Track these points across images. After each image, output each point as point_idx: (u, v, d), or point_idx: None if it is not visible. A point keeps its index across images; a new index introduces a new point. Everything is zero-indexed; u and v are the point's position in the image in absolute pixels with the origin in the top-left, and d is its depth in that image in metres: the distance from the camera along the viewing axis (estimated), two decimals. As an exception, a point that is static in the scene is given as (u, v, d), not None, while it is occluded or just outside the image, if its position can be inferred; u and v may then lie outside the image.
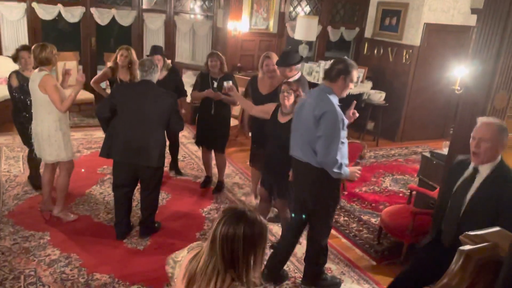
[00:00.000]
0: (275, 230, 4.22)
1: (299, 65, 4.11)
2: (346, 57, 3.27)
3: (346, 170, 3.02)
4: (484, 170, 2.54)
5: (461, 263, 1.15)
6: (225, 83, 4.12)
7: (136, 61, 4.71)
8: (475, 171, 2.58)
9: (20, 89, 4.16)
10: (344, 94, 3.16)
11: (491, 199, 2.47)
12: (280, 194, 3.69)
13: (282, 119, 3.54)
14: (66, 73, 4.08)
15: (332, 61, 3.45)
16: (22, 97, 4.16)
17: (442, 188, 2.84)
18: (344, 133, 3.02)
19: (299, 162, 3.19)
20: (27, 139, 4.20)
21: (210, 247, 1.52)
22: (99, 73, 4.96)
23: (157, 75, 3.67)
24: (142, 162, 3.56)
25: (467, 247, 1.20)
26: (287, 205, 3.72)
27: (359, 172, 3.18)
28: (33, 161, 4.41)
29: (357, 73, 3.13)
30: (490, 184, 2.51)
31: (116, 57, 4.70)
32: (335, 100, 3.04)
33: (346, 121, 3.07)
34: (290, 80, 3.97)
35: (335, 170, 2.95)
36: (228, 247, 1.48)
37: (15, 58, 4.24)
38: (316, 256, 3.40)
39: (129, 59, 4.68)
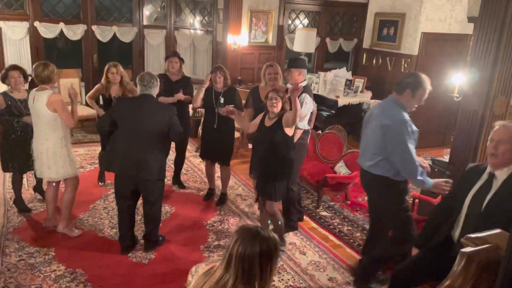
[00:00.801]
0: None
1: (306, 73, 4.25)
2: (419, 73, 3.24)
3: (429, 180, 3.02)
4: (501, 175, 2.51)
5: (463, 265, 1.16)
6: (222, 109, 4.15)
7: (126, 75, 4.82)
8: (491, 176, 2.54)
9: (8, 111, 4.04)
10: (413, 108, 3.19)
11: (509, 203, 2.43)
12: (267, 195, 3.76)
13: (268, 123, 3.69)
14: (71, 92, 3.96)
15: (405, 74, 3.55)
16: (8, 118, 4.05)
17: (453, 195, 2.77)
18: (412, 145, 3.00)
19: (365, 172, 3.28)
20: (6, 164, 4.20)
21: (226, 265, 1.62)
22: (93, 89, 4.96)
23: (157, 89, 3.71)
24: (142, 175, 3.58)
25: (468, 249, 1.22)
26: (275, 207, 3.80)
27: (447, 185, 3.01)
28: (17, 184, 4.41)
29: (427, 90, 3.11)
30: (508, 188, 2.47)
31: (106, 75, 4.72)
32: (402, 111, 3.07)
33: (417, 132, 3.08)
34: (299, 85, 4.07)
35: (419, 177, 2.98)
36: (245, 266, 1.58)
37: (3, 78, 4.11)
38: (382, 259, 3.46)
39: (120, 75, 4.73)
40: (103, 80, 4.79)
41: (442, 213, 2.88)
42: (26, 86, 4.41)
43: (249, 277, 1.59)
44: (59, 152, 3.79)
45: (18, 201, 4.46)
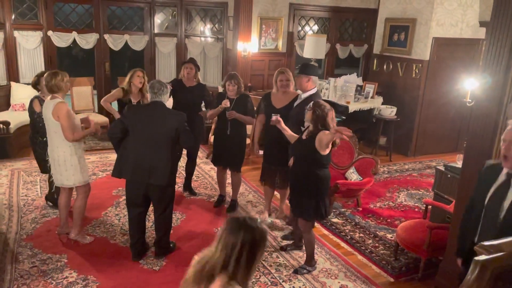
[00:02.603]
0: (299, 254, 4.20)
1: (317, 80, 4.21)
2: None
3: None
4: None
5: (477, 273, 1.14)
6: (227, 113, 4.45)
7: (146, 83, 4.89)
8: (510, 176, 2.37)
9: (42, 114, 4.21)
10: None
11: None
12: (296, 210, 3.73)
13: (305, 136, 3.59)
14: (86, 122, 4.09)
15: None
16: (44, 122, 4.16)
17: (474, 197, 2.61)
18: None
19: None
20: (44, 166, 4.32)
21: (213, 252, 1.71)
22: (110, 93, 5.09)
23: (167, 96, 3.74)
24: (152, 181, 3.60)
25: (482, 257, 1.20)
26: (306, 226, 3.72)
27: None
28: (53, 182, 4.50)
29: None
30: None
31: (129, 79, 4.82)
32: None
33: None
34: (307, 94, 4.07)
35: None
36: (229, 253, 1.66)
37: (36, 84, 4.36)
38: None
39: (145, 81, 4.87)
40: (125, 84, 4.88)
41: (468, 217, 2.68)
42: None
43: (232, 264, 1.65)
44: (69, 160, 3.83)
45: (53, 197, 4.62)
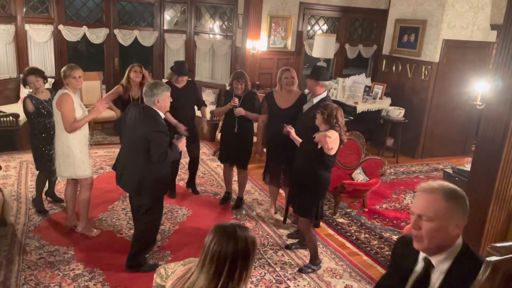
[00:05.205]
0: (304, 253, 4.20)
1: (327, 83, 4.18)
2: None
3: None
4: (440, 264, 1.60)
5: (488, 274, 1.14)
6: (235, 110, 4.46)
7: (148, 77, 4.89)
8: (428, 264, 1.64)
9: (37, 112, 4.15)
10: None
11: None
12: (295, 206, 3.77)
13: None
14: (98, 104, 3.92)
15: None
16: (40, 119, 4.18)
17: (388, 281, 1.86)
18: None
19: None
20: (41, 163, 4.29)
21: (202, 264, 1.57)
22: (111, 90, 5.06)
23: (160, 97, 3.34)
24: (120, 184, 3.51)
25: (494, 258, 1.20)
26: (306, 225, 3.73)
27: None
28: (42, 184, 4.51)
29: None
30: (457, 285, 1.56)
31: (128, 75, 4.82)
32: None
33: None
34: (318, 98, 4.04)
35: None
36: (219, 265, 1.53)
37: (24, 83, 4.27)
38: None
39: (141, 75, 4.83)
40: (123, 81, 4.86)
41: None
42: (47, 85, 4.47)
43: (221, 277, 1.53)
44: (67, 152, 3.85)
45: (39, 202, 4.53)
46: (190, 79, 4.93)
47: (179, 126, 4.52)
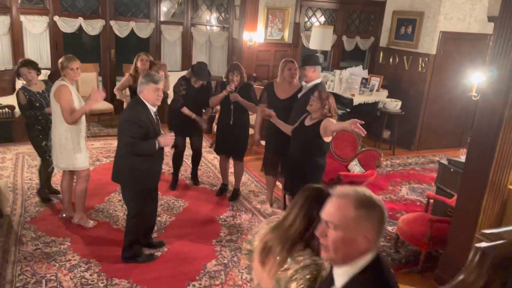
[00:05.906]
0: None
1: (320, 70, 4.23)
2: None
3: None
4: (338, 278, 1.44)
5: (477, 260, 1.15)
6: (231, 95, 4.46)
7: (155, 64, 4.95)
8: (331, 275, 1.49)
9: (29, 104, 4.14)
10: None
11: None
12: (293, 195, 3.77)
13: (308, 122, 3.65)
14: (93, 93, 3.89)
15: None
16: (32, 112, 4.17)
17: None
18: None
19: None
20: (41, 151, 4.31)
21: (292, 219, 1.74)
22: (120, 81, 5.18)
23: (147, 86, 3.24)
24: (112, 176, 3.49)
25: (483, 244, 1.21)
26: None
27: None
28: (45, 172, 4.51)
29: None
30: None
31: (135, 64, 4.86)
32: None
33: None
34: (312, 83, 4.09)
35: None
36: (312, 221, 1.67)
37: (17, 75, 4.25)
38: None
39: (149, 63, 4.92)
40: (132, 70, 4.95)
41: None
42: (40, 77, 4.43)
43: (309, 232, 1.67)
44: (63, 144, 3.85)
45: (43, 191, 4.57)
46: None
47: (198, 119, 4.75)
